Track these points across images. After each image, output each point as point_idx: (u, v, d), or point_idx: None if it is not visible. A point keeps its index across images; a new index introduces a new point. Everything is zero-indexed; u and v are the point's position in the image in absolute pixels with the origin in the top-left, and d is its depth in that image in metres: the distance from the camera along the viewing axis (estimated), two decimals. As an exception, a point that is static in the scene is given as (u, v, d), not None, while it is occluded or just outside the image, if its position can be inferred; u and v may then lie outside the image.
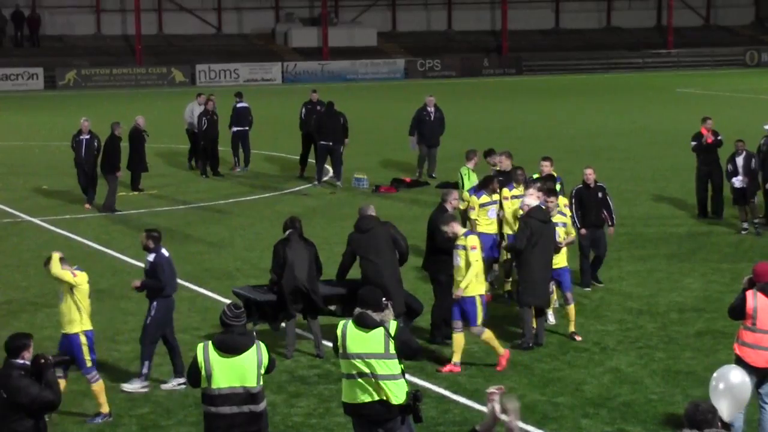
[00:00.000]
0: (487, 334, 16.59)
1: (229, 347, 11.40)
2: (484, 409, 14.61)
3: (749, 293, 13.47)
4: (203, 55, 71.57)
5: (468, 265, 16.37)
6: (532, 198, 18.12)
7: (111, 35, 74.61)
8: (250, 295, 17.16)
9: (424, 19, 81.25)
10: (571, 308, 18.16)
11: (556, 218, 18.36)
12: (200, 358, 11.41)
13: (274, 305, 17.08)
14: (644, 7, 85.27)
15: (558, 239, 18.19)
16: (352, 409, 11.93)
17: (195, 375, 11.51)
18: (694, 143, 27.21)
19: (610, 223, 21.39)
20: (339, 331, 11.85)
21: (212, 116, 34.68)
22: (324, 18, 74.37)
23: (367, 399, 11.74)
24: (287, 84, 69.23)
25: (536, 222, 17.61)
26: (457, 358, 16.62)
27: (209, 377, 11.37)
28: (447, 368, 16.56)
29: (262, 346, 11.58)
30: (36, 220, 28.08)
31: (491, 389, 9.67)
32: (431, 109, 33.77)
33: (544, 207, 18.02)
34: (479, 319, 16.46)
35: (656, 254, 23.79)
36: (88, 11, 74.82)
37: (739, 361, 13.45)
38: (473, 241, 16.48)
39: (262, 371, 11.51)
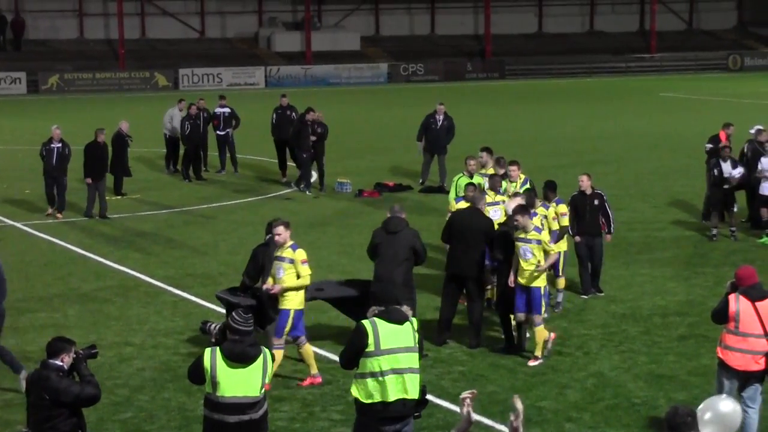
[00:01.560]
0: (307, 350, 16.34)
1: (240, 358, 11.30)
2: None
3: (732, 297, 13.51)
4: (186, 60, 71.44)
5: (297, 277, 16.09)
6: (514, 205, 18.00)
7: (94, 39, 74.48)
8: (232, 300, 17.12)
9: (407, 23, 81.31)
10: (539, 330, 16.96)
11: (531, 235, 17.19)
12: (206, 364, 11.30)
13: (254, 309, 17.03)
14: (627, 11, 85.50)
15: (530, 257, 17.07)
16: (375, 408, 11.57)
17: (198, 375, 11.42)
18: (710, 146, 27.15)
19: (607, 230, 20.94)
20: (369, 330, 11.50)
21: (195, 120, 34.69)
22: (307, 22, 74.41)
23: (396, 396, 11.53)
24: (270, 88, 69.11)
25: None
26: (314, 369, 16.29)
27: (215, 385, 11.28)
28: (307, 381, 16.22)
29: (268, 355, 11.51)
30: (19, 225, 27.98)
31: (464, 394, 9.69)
32: (440, 116, 33.40)
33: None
34: (285, 334, 16.18)
35: (639, 258, 23.83)
36: (71, 15, 74.67)
37: (722, 365, 13.50)
38: (302, 255, 16.19)
39: (267, 380, 11.47)
